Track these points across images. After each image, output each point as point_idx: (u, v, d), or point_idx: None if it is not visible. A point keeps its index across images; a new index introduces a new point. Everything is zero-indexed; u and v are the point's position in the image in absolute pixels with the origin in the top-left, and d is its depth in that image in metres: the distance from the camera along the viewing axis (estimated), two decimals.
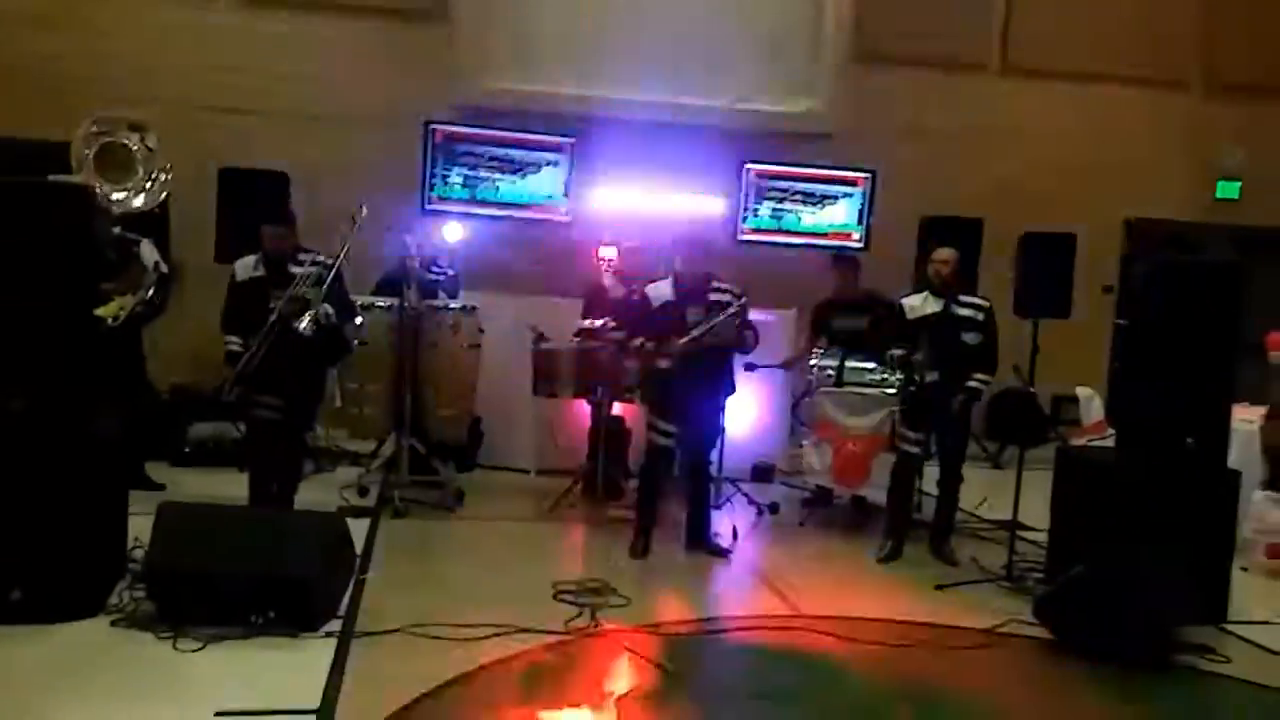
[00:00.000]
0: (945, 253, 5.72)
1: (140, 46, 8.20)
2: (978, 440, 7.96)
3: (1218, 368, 4.98)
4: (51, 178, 4.83)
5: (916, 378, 5.58)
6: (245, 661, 3.75)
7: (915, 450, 5.71)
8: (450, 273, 7.13)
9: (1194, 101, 9.83)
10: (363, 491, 6.35)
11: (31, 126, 7.14)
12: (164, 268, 5.86)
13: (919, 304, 5.67)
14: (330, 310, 5.22)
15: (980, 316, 5.66)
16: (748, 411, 7.45)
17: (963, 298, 5.69)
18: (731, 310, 5.33)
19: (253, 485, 5.36)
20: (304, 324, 5.07)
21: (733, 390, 5.69)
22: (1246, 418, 5.98)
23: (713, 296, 5.42)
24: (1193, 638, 4.49)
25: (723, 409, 5.71)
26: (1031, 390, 5.54)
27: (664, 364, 5.31)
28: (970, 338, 5.59)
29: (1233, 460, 5.20)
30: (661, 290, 5.50)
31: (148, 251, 5.77)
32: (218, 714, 3.29)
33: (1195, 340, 4.95)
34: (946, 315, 5.59)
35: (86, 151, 5.25)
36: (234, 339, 5.30)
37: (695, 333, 5.29)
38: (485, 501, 6.55)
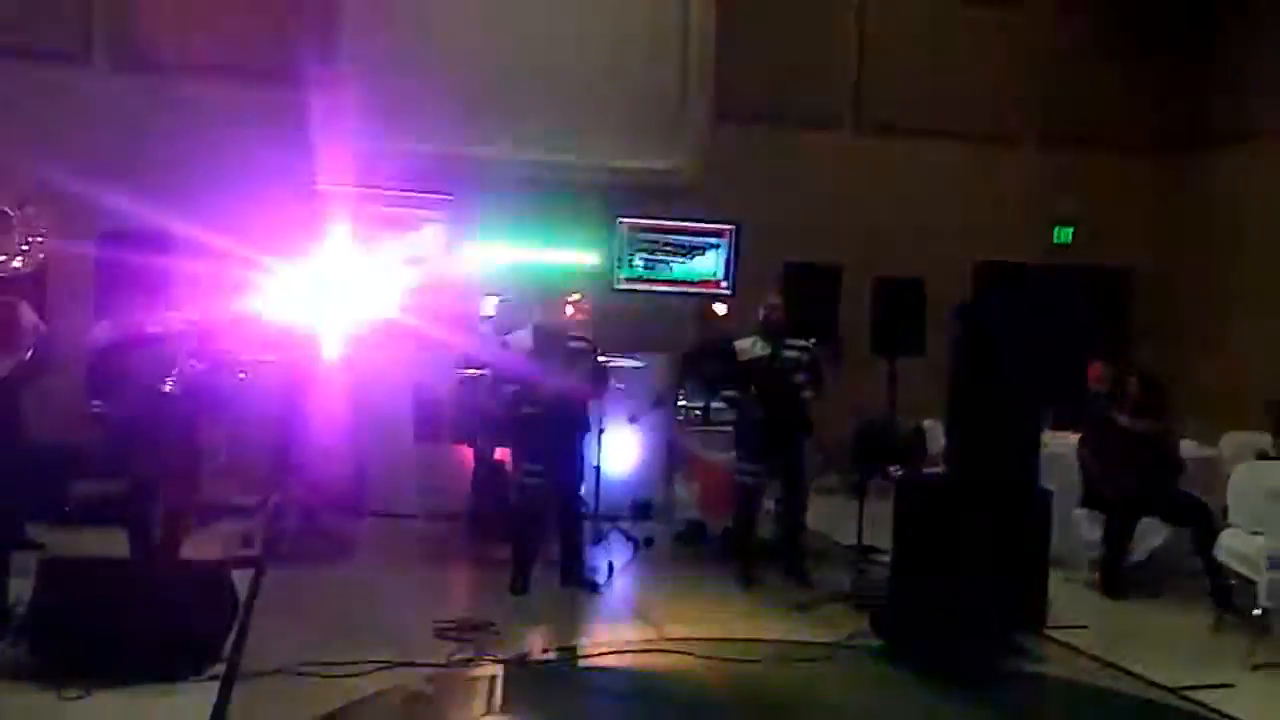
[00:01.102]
0: (773, 299, 6.28)
1: (15, 107, 8.23)
2: (839, 470, 8.51)
3: (1027, 399, 5.58)
4: None
5: (746, 414, 6.08)
6: (129, 707, 3.92)
7: (751, 480, 6.18)
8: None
9: (1028, 153, 10.73)
10: (247, 541, 6.49)
11: None
12: (43, 328, 5.95)
13: (749, 346, 6.19)
14: (196, 365, 5.44)
15: (806, 358, 6.20)
16: (627, 451, 7.86)
17: (790, 340, 6.21)
18: (587, 363, 5.74)
19: (132, 546, 5.44)
20: (168, 387, 5.28)
21: (588, 430, 6.07)
22: (1056, 441, 6.63)
23: (571, 345, 5.82)
24: (1014, 643, 5.01)
25: (582, 449, 6.07)
26: (871, 419, 6.07)
27: (527, 409, 5.66)
28: (798, 377, 6.11)
29: (1046, 481, 5.81)
30: (521, 340, 5.88)
31: (25, 313, 5.87)
32: None
33: (1008, 374, 5.54)
34: (776, 357, 6.10)
35: None
36: (97, 402, 5.40)
37: (550, 385, 5.66)
38: (371, 546, 6.76)
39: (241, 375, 6.03)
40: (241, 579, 5.47)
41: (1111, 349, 9.34)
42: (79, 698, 3.95)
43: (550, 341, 5.84)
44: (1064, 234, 10.78)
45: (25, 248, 5.67)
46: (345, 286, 7.56)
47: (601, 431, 6.66)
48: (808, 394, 6.14)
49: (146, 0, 8.52)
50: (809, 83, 9.94)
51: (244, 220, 7.96)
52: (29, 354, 5.75)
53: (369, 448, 7.38)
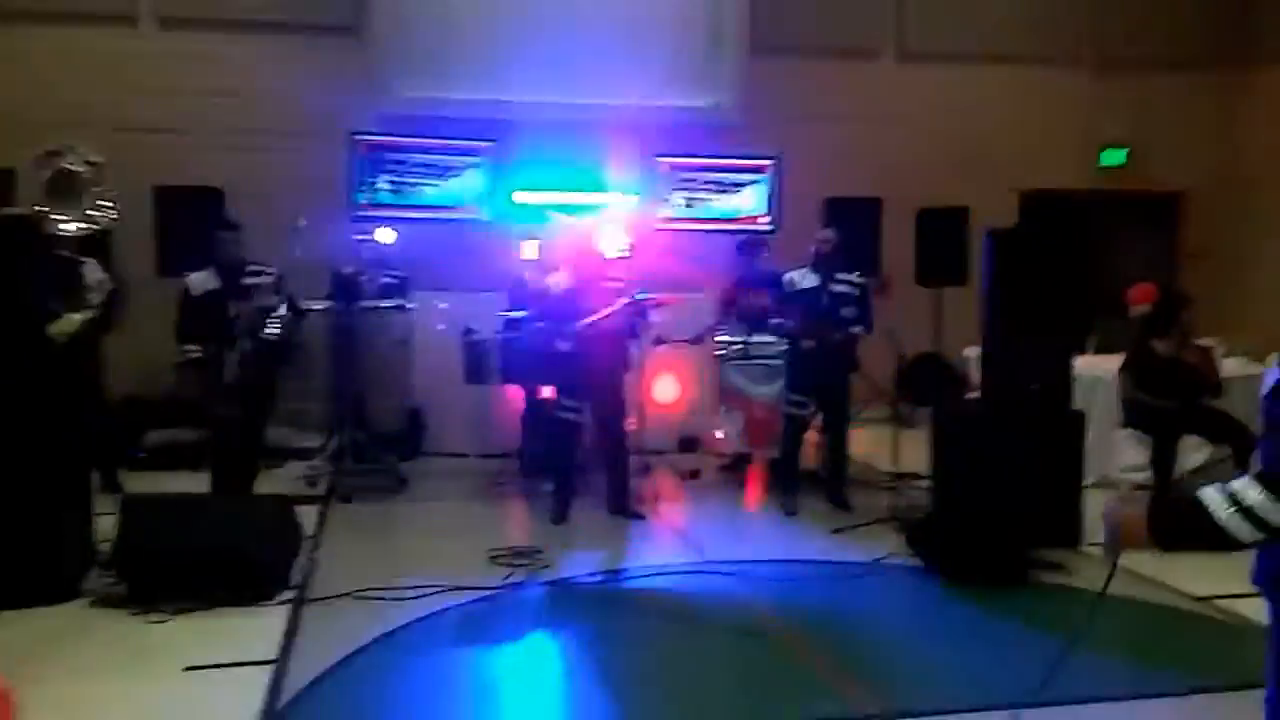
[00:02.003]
0: (825, 233, 6.36)
1: (68, 73, 8.50)
2: (890, 402, 8.63)
3: (1064, 324, 5.64)
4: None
5: (795, 346, 6.20)
6: (209, 628, 4.24)
7: (798, 412, 6.33)
8: (401, 275, 7.55)
9: (1082, 76, 10.51)
10: (311, 482, 6.82)
11: None
12: (109, 285, 6.26)
13: (799, 279, 6.29)
14: (289, 315, 5.75)
15: (855, 292, 6.28)
16: (673, 387, 8.05)
17: (839, 275, 6.29)
18: (622, 301, 5.90)
19: (215, 483, 5.79)
20: (271, 330, 5.59)
21: (628, 368, 6.27)
22: (1098, 366, 6.66)
23: (606, 285, 5.98)
24: (1047, 557, 5.15)
25: (621, 384, 6.25)
26: (903, 354, 6.17)
27: (564, 346, 5.85)
28: (847, 311, 6.21)
29: (1090, 404, 5.87)
30: (560, 280, 6.05)
31: (91, 271, 6.17)
32: (186, 668, 3.79)
33: (1044, 300, 5.59)
34: (824, 290, 6.20)
35: (43, 174, 5.60)
36: (193, 347, 5.73)
37: (588, 319, 5.84)
38: (426, 485, 7.06)
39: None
40: (308, 515, 5.84)
41: (1160, 272, 9.26)
42: (162, 621, 4.28)
43: (587, 281, 5.99)
44: (1115, 156, 10.60)
45: (95, 213, 5.94)
46: (393, 234, 7.80)
47: (642, 369, 6.84)
48: (856, 329, 6.22)
49: None
50: (848, 11, 9.83)
51: (288, 171, 8.25)
52: (98, 311, 6.09)
53: (423, 390, 7.66)
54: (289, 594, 4.61)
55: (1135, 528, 1.93)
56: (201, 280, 5.87)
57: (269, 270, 5.89)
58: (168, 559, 4.45)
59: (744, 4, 9.19)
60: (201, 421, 7.37)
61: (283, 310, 5.74)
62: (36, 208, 5.21)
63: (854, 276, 6.37)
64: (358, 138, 8.19)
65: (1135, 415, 6.34)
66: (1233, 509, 1.80)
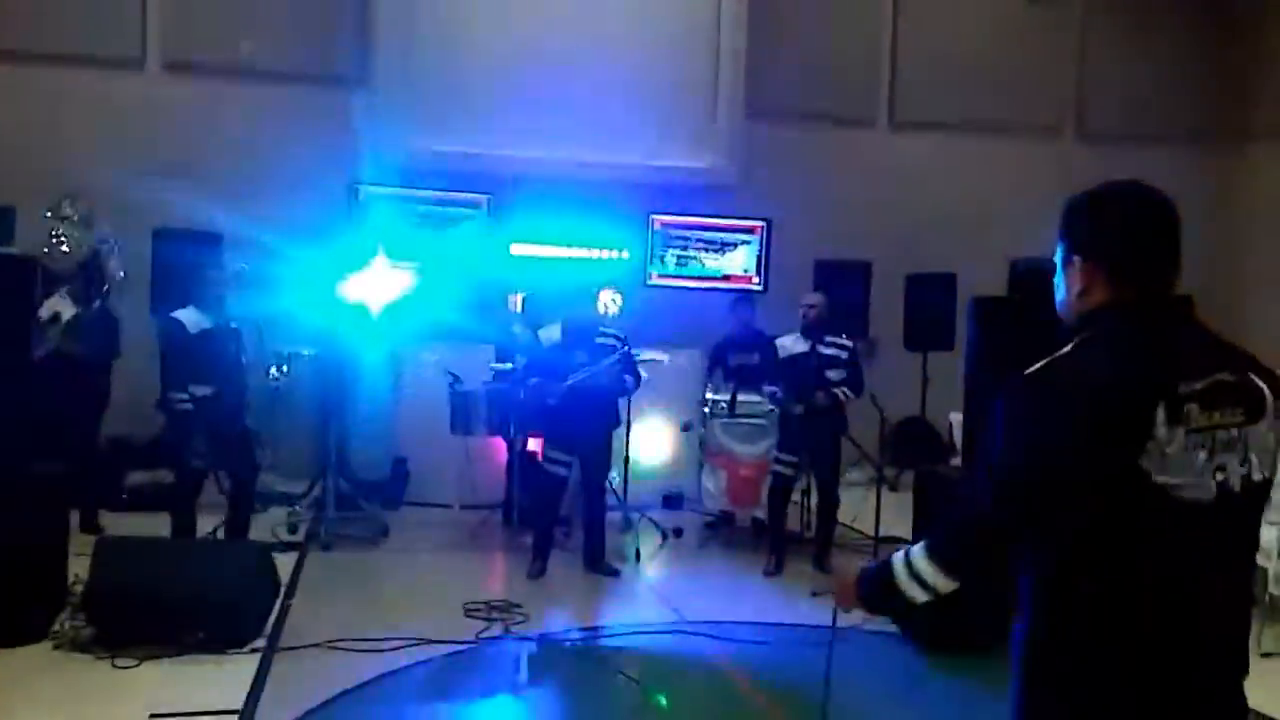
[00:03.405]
0: (813, 297, 6.42)
1: (73, 114, 8.62)
2: (875, 465, 8.64)
3: None
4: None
5: (785, 410, 6.24)
6: (177, 675, 4.21)
7: (787, 471, 6.34)
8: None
9: (1071, 146, 10.68)
10: (292, 529, 6.79)
11: None
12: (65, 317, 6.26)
13: (790, 344, 6.34)
14: (285, 365, 5.79)
15: (844, 355, 6.32)
16: (658, 444, 8.06)
17: (828, 338, 6.34)
18: (613, 358, 5.94)
19: (175, 530, 5.66)
20: (272, 374, 5.62)
21: (617, 424, 6.31)
22: None
23: (599, 341, 6.03)
24: None
25: (609, 441, 6.27)
26: (884, 415, 6.22)
27: (551, 401, 5.87)
28: (834, 374, 6.24)
29: None
30: (551, 335, 6.09)
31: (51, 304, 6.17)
32: (152, 716, 3.74)
33: (1016, 365, 5.61)
34: (813, 354, 6.24)
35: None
36: (183, 396, 5.56)
37: (576, 377, 5.88)
38: (409, 535, 7.02)
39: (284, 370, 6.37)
40: (285, 562, 5.81)
41: None
42: (130, 667, 4.24)
43: (579, 336, 6.04)
44: None
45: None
46: (385, 283, 7.85)
47: (629, 425, 6.86)
48: (846, 393, 6.25)
49: (198, 8, 8.86)
50: (843, 79, 10.00)
51: (288, 218, 8.32)
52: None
53: (407, 439, 7.66)
54: (260, 642, 4.57)
55: (847, 589, 2.00)
56: (195, 320, 5.83)
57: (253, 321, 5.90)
58: (138, 603, 4.42)
59: (741, 69, 9.36)
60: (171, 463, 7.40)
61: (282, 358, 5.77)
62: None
63: (842, 339, 6.42)
64: (359, 188, 8.29)
65: None
66: (908, 574, 1.85)
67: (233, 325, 5.81)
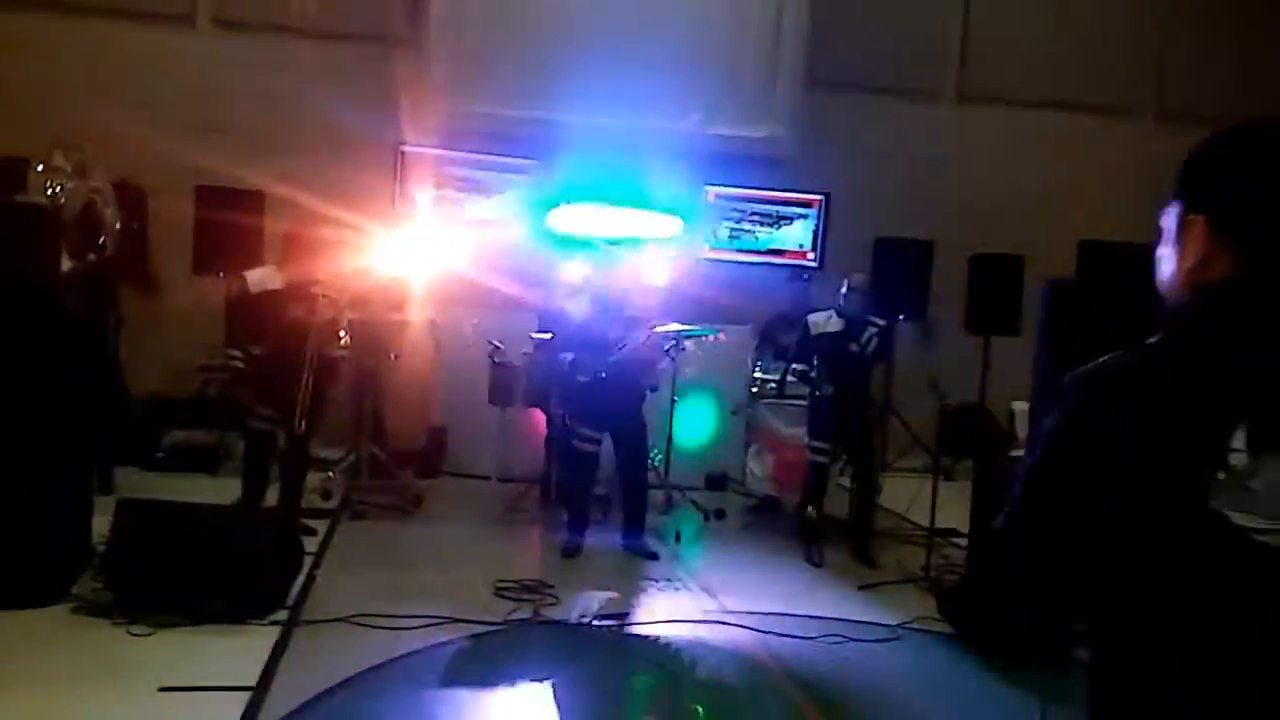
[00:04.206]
0: (857, 275, 6.12)
1: (121, 68, 8.51)
2: (931, 453, 8.30)
3: None
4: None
5: (816, 392, 5.93)
6: (193, 645, 4.05)
7: (822, 460, 6.04)
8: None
9: (1145, 127, 10.16)
10: (325, 495, 6.64)
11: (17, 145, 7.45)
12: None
13: (823, 322, 6.02)
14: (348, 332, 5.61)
15: (877, 332, 6.01)
16: (703, 423, 7.79)
17: (867, 318, 6.02)
18: (647, 334, 5.66)
19: (247, 494, 5.58)
20: (340, 346, 5.46)
21: (644, 397, 6.02)
22: None
23: (628, 313, 5.76)
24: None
25: (639, 411, 5.99)
26: (947, 401, 5.87)
27: (583, 378, 5.62)
28: (869, 350, 5.93)
29: None
30: (579, 307, 5.83)
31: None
32: (161, 689, 3.59)
33: (1100, 354, 5.26)
34: (847, 334, 5.92)
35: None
36: (236, 353, 5.50)
37: (613, 357, 5.63)
38: (443, 506, 6.85)
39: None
40: (319, 529, 5.69)
41: None
42: (145, 635, 4.09)
43: (606, 309, 5.78)
44: None
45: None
46: (428, 247, 7.66)
47: (674, 401, 6.61)
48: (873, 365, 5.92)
49: None
50: (909, 50, 9.57)
51: (332, 179, 8.14)
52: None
53: (447, 408, 7.48)
54: (282, 614, 4.41)
55: None
56: (261, 278, 5.65)
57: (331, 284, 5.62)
58: (158, 568, 4.28)
59: (803, 35, 8.97)
60: (222, 423, 7.28)
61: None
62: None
63: (881, 320, 6.10)
64: (403, 148, 8.08)
65: None
66: None
67: (315, 292, 5.55)
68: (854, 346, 5.91)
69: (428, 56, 8.50)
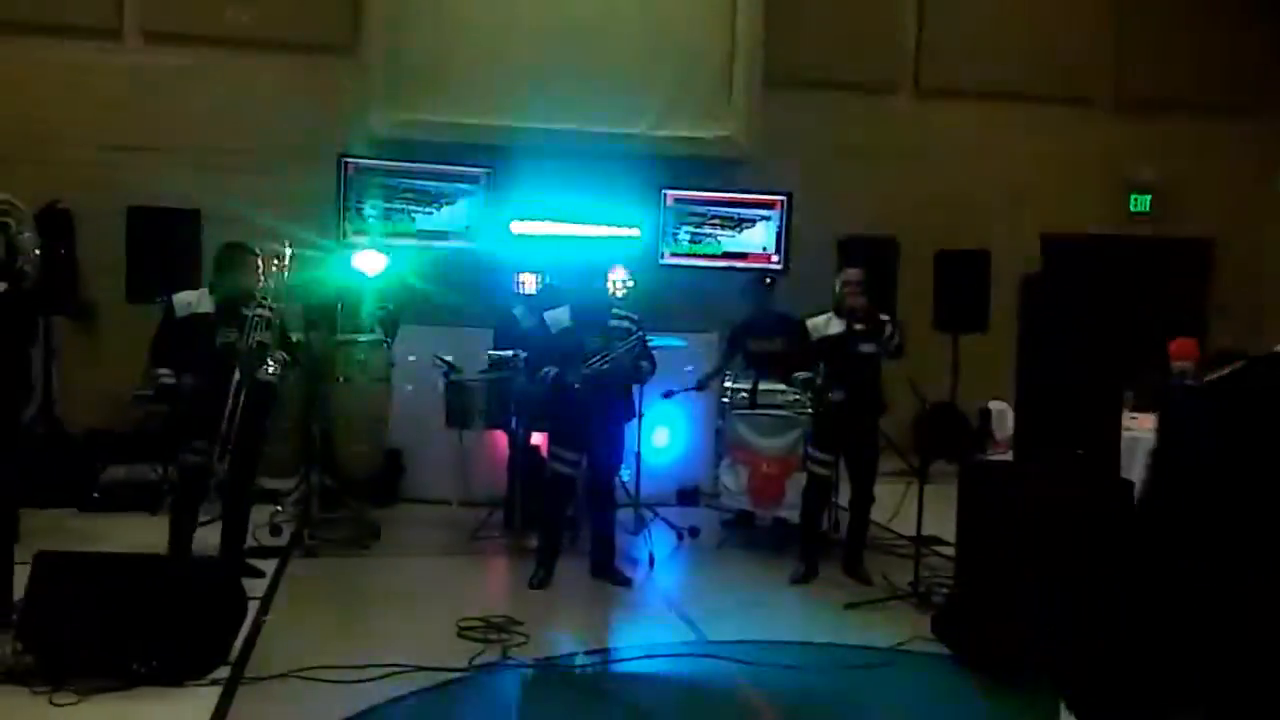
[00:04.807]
0: (852, 272, 5.81)
1: (45, 86, 8.06)
2: (903, 455, 8.08)
3: (1103, 378, 5.07)
4: None
5: (822, 399, 5.64)
6: (124, 713, 3.66)
7: (824, 472, 5.76)
8: (389, 307, 6.96)
9: (1106, 117, 10.04)
10: (275, 531, 6.24)
11: None
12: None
13: (823, 325, 5.74)
14: (285, 356, 5.20)
15: (883, 334, 5.73)
16: (672, 435, 7.50)
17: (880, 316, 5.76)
18: (630, 342, 5.36)
19: (174, 532, 5.15)
20: (271, 370, 5.05)
21: (632, 416, 5.72)
22: (1137, 425, 6.07)
23: (611, 324, 5.45)
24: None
25: (623, 435, 5.71)
26: (926, 402, 5.64)
27: (575, 384, 5.27)
28: (867, 348, 5.65)
29: (1127, 469, 5.28)
30: (559, 317, 5.51)
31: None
32: None
33: (1082, 351, 5.03)
34: (849, 334, 5.65)
35: None
36: (165, 371, 5.07)
37: (594, 364, 5.29)
38: (402, 536, 6.47)
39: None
40: (264, 569, 5.29)
41: (1190, 325, 8.72)
42: (72, 703, 3.69)
43: (590, 320, 5.46)
44: (1141, 202, 10.11)
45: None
46: (377, 263, 7.28)
47: (641, 416, 6.30)
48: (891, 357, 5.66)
49: None
50: (865, 45, 9.37)
51: (273, 194, 7.74)
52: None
53: (401, 431, 7.10)
54: (223, 672, 4.02)
55: None
56: (188, 301, 5.25)
57: (266, 304, 5.20)
58: (83, 627, 3.87)
59: (757, 33, 8.70)
60: (164, 458, 6.84)
61: (280, 353, 5.16)
62: None
63: (884, 317, 5.83)
64: (347, 160, 7.71)
65: None
66: None
67: (246, 313, 5.15)
68: (865, 346, 5.62)
69: (368, 65, 8.11)
